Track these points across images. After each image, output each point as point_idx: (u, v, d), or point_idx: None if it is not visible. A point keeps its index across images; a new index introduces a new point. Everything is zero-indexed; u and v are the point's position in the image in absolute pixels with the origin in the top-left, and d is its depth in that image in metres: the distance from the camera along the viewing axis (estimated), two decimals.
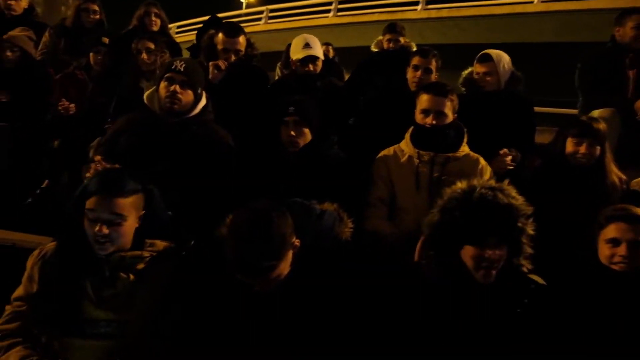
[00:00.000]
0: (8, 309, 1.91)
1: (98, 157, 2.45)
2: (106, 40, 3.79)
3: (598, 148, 2.65)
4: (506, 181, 2.01)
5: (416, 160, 2.67)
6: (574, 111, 3.92)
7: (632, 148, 3.22)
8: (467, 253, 1.89)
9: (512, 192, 1.97)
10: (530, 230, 1.95)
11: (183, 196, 2.45)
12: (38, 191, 3.21)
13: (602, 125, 2.72)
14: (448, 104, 2.68)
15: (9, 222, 3.03)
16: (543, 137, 3.76)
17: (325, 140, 2.74)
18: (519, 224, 1.93)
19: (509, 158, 2.86)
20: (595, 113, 3.33)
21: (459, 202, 1.93)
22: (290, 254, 1.84)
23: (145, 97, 2.69)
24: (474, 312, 1.87)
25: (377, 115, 3.23)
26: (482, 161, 2.72)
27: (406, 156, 2.71)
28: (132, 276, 1.90)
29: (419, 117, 2.71)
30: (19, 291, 1.93)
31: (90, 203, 1.86)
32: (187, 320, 1.86)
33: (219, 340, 1.81)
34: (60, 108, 3.43)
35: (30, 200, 3.19)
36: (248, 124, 3.05)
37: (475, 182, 1.97)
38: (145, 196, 1.98)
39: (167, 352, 1.81)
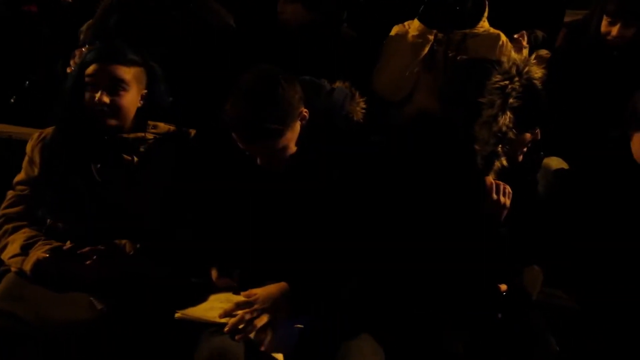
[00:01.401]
0: (10, 193, 1.89)
1: (84, 49, 2.27)
2: None
3: (633, 29, 2.39)
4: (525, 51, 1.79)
5: (430, 38, 2.44)
6: None
7: None
8: (521, 140, 1.76)
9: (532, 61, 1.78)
10: None
11: (183, 83, 2.28)
12: (27, 83, 3.06)
13: None
14: None
15: (2, 115, 2.95)
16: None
17: (332, 17, 2.50)
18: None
19: (525, 41, 2.62)
20: None
21: (518, 92, 1.68)
22: (297, 125, 1.71)
23: None
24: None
25: None
26: (503, 37, 2.48)
27: (418, 33, 2.46)
28: (136, 158, 1.85)
29: None
30: (21, 175, 1.91)
31: (89, 70, 1.79)
32: (194, 201, 1.82)
33: (228, 221, 1.77)
34: None
35: (14, 96, 3.04)
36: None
37: (509, 60, 1.71)
38: (147, 72, 1.89)
39: (177, 231, 1.81)
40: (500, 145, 1.70)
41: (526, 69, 1.70)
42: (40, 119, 2.65)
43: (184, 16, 2.40)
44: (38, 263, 1.71)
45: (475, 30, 2.45)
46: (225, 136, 1.75)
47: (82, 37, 2.77)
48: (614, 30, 2.41)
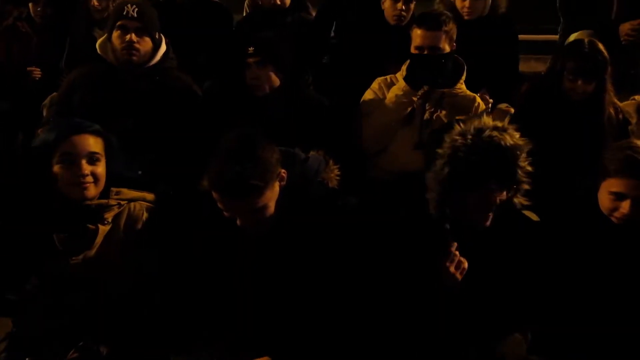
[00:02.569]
0: None
1: None
2: None
3: (594, 84, 2.51)
4: (507, 119, 1.87)
5: (410, 95, 2.50)
6: (555, 37, 3.78)
7: (616, 72, 3.11)
8: (473, 198, 1.79)
9: (513, 131, 1.84)
10: (528, 167, 1.87)
11: (153, 152, 2.29)
12: None
13: (603, 55, 2.53)
14: (443, 37, 2.48)
15: None
16: (524, 65, 3.63)
17: (298, 82, 2.55)
18: (521, 163, 1.84)
19: (488, 96, 2.73)
20: (573, 36, 3.17)
21: (468, 148, 1.77)
22: (276, 186, 1.75)
23: (97, 46, 2.45)
24: (470, 252, 1.81)
25: (351, 52, 3.00)
26: (479, 99, 2.59)
27: (400, 89, 2.53)
28: (101, 226, 1.82)
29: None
30: None
31: (63, 147, 1.80)
32: (170, 267, 1.81)
33: (204, 284, 1.77)
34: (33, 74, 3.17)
35: None
36: (213, 69, 2.83)
37: (477, 122, 1.81)
38: (105, 143, 1.89)
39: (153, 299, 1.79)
40: (448, 195, 1.77)
41: (489, 132, 1.77)
42: None
43: (149, 88, 2.40)
44: None
45: (454, 91, 2.54)
46: (203, 205, 1.77)
47: (45, 112, 2.73)
48: (576, 87, 2.52)
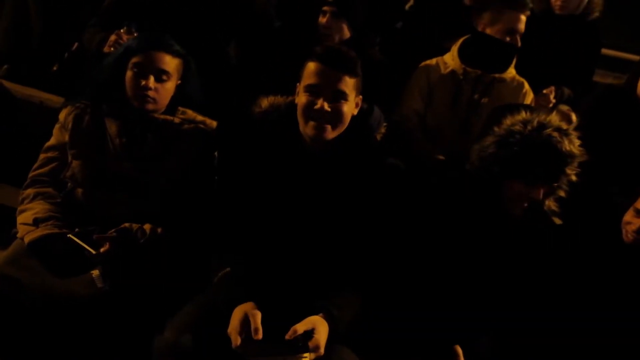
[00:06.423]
0: (41, 156, 1.99)
1: (122, 30, 2.36)
2: None
3: None
4: (573, 125, 1.85)
5: (460, 76, 2.50)
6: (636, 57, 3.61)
7: None
8: (512, 186, 1.81)
9: (575, 138, 1.82)
10: (573, 177, 1.86)
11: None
12: (66, 55, 3.13)
13: None
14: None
15: (40, 84, 2.96)
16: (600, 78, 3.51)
17: (366, 39, 2.57)
18: (568, 171, 1.83)
19: (552, 96, 2.69)
20: None
21: (523, 138, 1.76)
22: (355, 101, 1.76)
23: None
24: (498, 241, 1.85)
25: (425, 21, 2.97)
26: (527, 86, 2.54)
27: (449, 70, 2.52)
28: (161, 139, 1.92)
29: (498, 35, 2.45)
30: (52, 141, 2.00)
31: (138, 58, 1.89)
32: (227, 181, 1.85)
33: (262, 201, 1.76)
34: None
35: (56, 67, 3.12)
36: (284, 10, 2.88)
37: (544, 117, 1.78)
38: (184, 64, 1.97)
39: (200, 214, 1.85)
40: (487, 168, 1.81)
41: (550, 131, 1.76)
42: (72, 90, 2.72)
43: None
44: (38, 241, 1.77)
45: (504, 75, 2.51)
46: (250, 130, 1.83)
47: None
48: None
